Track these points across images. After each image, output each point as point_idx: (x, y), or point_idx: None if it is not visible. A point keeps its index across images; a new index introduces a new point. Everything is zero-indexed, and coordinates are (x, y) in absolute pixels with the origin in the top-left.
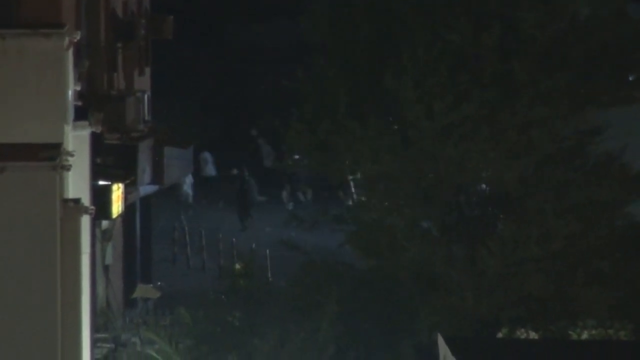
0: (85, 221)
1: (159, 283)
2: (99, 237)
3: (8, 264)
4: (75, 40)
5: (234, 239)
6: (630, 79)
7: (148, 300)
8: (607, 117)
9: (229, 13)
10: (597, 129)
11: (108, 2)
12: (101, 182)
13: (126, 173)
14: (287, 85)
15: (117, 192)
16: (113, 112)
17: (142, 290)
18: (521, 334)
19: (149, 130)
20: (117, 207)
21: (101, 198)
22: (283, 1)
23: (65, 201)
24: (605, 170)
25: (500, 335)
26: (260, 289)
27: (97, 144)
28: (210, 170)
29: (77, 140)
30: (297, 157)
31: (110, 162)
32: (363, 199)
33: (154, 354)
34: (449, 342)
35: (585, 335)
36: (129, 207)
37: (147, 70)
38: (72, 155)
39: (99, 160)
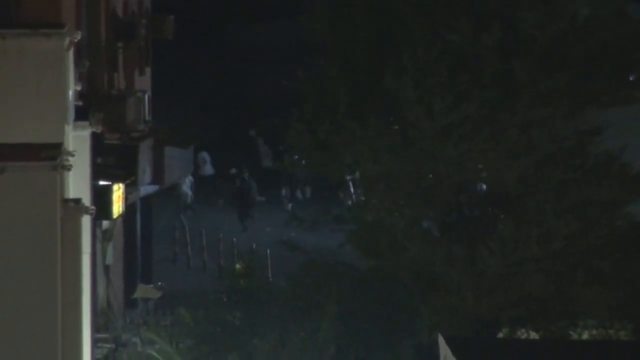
0: (86, 221)
1: (160, 283)
2: (100, 237)
3: (8, 264)
4: (76, 40)
5: (234, 239)
6: (630, 79)
7: (148, 300)
8: (607, 117)
9: (229, 13)
10: (597, 128)
11: (108, 2)
12: (102, 182)
13: (126, 173)
14: (287, 85)
15: (118, 192)
16: (113, 112)
17: (143, 290)
18: (521, 334)
19: (149, 130)
20: (117, 207)
21: (102, 198)
22: (283, 1)
23: (66, 201)
24: (605, 170)
25: (500, 335)
26: (261, 289)
27: (97, 144)
28: (208, 169)
29: (77, 140)
30: (296, 157)
31: (110, 162)
32: (363, 198)
33: (155, 354)
34: (449, 342)
35: (585, 336)
36: (129, 207)
37: (148, 70)
38: (72, 155)
39: (99, 161)
